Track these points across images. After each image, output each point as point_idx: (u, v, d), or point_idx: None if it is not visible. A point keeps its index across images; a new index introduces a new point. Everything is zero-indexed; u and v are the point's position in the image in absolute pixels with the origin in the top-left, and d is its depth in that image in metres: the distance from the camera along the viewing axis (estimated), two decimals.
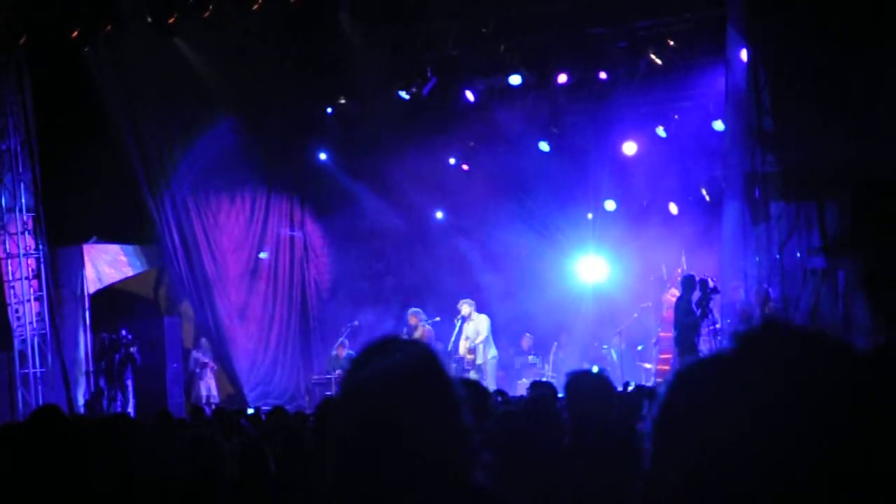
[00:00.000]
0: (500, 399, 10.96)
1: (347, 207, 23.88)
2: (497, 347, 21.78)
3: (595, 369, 6.78)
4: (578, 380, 6.48)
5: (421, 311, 22.00)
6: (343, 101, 23.68)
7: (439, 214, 24.76)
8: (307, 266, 25.09)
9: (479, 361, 20.96)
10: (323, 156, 24.52)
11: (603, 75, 21.76)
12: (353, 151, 23.91)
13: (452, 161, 24.21)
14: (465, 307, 21.36)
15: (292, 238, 24.79)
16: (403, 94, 22.77)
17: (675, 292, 19.73)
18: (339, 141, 24.17)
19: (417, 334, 20.63)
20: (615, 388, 6.74)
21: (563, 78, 22.03)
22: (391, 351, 3.06)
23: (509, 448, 6.02)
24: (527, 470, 5.84)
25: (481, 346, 21.01)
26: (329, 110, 23.88)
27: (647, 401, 8.50)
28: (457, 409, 3.06)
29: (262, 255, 24.25)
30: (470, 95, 22.75)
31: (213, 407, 20.20)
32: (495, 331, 21.69)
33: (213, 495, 6.52)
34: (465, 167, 24.22)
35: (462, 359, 20.60)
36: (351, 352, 21.89)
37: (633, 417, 7.59)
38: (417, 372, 3.04)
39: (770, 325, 3.17)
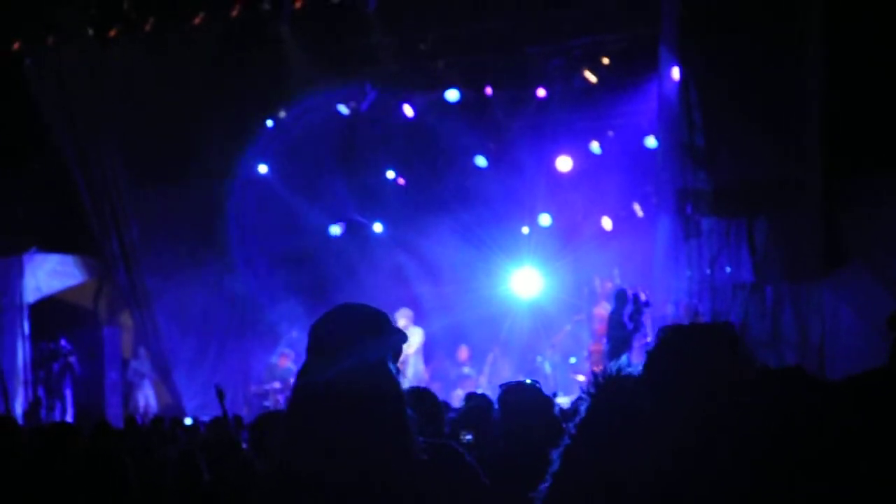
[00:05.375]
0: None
1: (287, 219, 23.93)
2: (433, 359, 21.95)
3: (528, 381, 6.96)
4: (511, 392, 6.67)
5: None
6: (283, 115, 23.81)
7: (378, 227, 24.91)
8: (247, 277, 25.08)
9: (408, 374, 21.11)
10: (263, 168, 24.55)
11: (541, 93, 22.07)
12: (292, 164, 23.97)
13: (391, 175, 24.40)
14: (402, 319, 21.52)
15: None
16: (343, 108, 23.00)
17: (606, 306, 20.06)
18: (278, 154, 24.21)
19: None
20: (548, 398, 6.93)
21: (499, 94, 22.36)
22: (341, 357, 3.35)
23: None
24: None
25: (411, 359, 21.18)
26: (269, 123, 24.00)
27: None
28: (403, 413, 3.36)
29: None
30: (409, 110, 22.99)
31: (150, 417, 20.23)
32: (433, 343, 21.89)
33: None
34: (403, 181, 24.42)
35: None
36: (291, 366, 22.03)
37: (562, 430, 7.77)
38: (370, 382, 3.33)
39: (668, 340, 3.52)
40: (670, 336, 3.57)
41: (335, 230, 24.80)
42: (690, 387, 3.23)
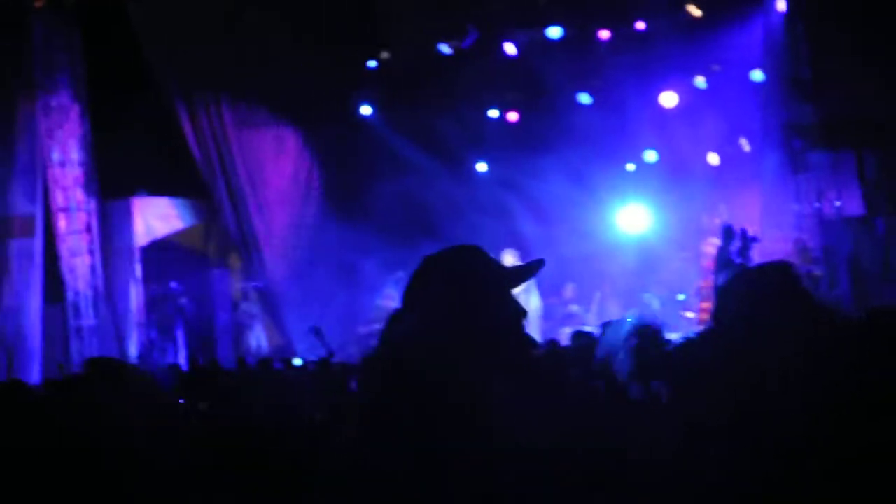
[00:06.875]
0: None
1: (391, 160, 24.01)
2: (540, 297, 21.93)
3: (629, 319, 6.92)
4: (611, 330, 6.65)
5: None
6: (385, 56, 23.82)
7: (482, 167, 24.92)
8: (353, 218, 25.18)
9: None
10: (366, 109, 24.62)
11: (642, 26, 21.87)
12: (396, 105, 24.01)
13: (494, 114, 24.36)
14: (509, 257, 21.53)
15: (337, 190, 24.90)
16: (445, 47, 22.96)
17: (714, 242, 19.91)
18: (382, 95, 24.26)
19: None
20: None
21: (603, 32, 22.19)
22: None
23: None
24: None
25: (522, 297, 21.17)
26: (372, 64, 24.02)
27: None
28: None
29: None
30: (511, 48, 22.89)
31: (261, 358, 20.48)
32: (538, 281, 21.87)
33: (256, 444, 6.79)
34: (506, 120, 24.37)
35: None
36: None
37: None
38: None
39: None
40: (732, 281, 3.57)
41: (481, 167, 24.89)
42: (752, 329, 3.22)
